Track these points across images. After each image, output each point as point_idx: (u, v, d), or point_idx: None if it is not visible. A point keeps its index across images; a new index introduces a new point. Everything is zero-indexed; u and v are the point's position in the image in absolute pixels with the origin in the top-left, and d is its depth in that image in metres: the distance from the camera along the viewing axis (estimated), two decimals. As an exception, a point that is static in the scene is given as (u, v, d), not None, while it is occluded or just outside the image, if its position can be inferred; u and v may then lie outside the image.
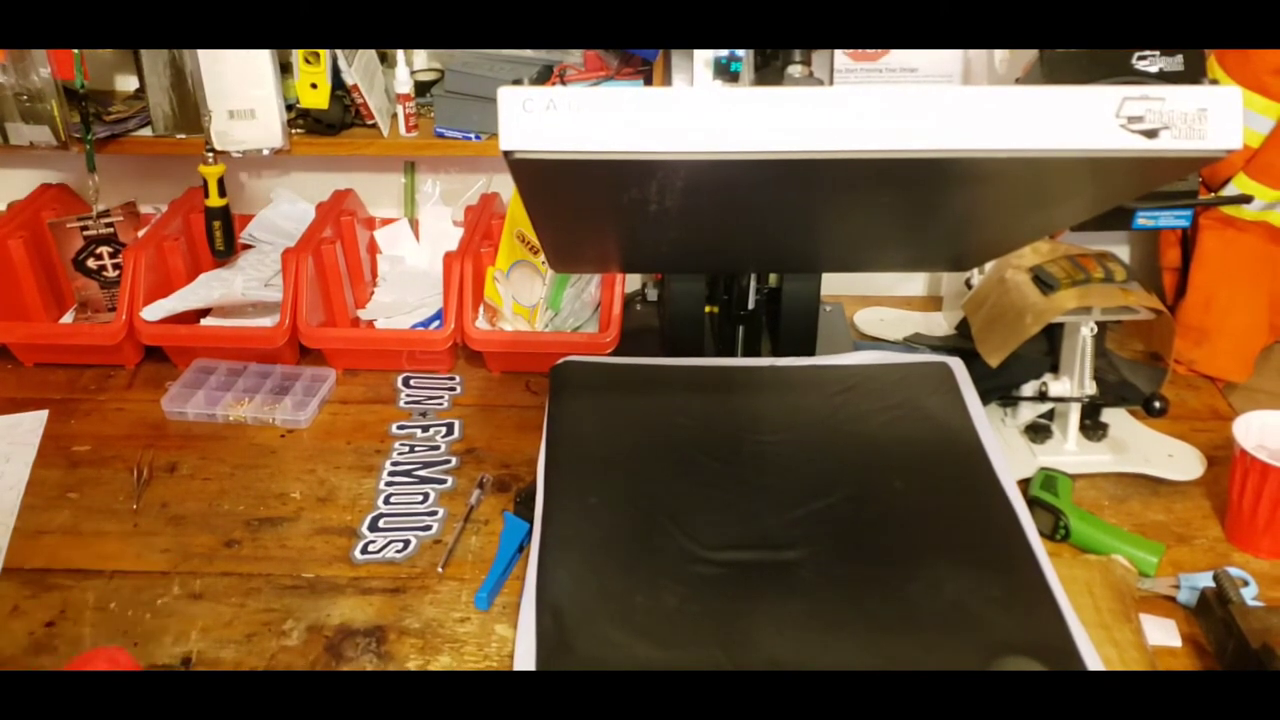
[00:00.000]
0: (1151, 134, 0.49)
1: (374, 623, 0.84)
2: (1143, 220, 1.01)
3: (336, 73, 1.18)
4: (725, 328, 1.14)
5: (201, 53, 1.14)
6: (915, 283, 1.34)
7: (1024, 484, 0.96)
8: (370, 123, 1.22)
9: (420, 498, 0.99)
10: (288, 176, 1.33)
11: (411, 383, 1.17)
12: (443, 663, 0.81)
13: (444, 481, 1.01)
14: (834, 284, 1.26)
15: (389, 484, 1.01)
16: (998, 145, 0.50)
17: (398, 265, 1.32)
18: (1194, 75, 0.92)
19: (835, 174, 0.56)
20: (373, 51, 1.22)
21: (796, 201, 0.69)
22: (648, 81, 1.21)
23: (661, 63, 1.18)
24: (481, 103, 1.17)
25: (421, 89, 1.23)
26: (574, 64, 1.23)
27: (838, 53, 1.18)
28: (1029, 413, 1.05)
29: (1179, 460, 1.01)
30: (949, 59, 1.19)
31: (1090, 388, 1.01)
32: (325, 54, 1.16)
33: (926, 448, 0.97)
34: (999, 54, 1.14)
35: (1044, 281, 0.99)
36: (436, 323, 1.21)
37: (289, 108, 1.19)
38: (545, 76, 1.22)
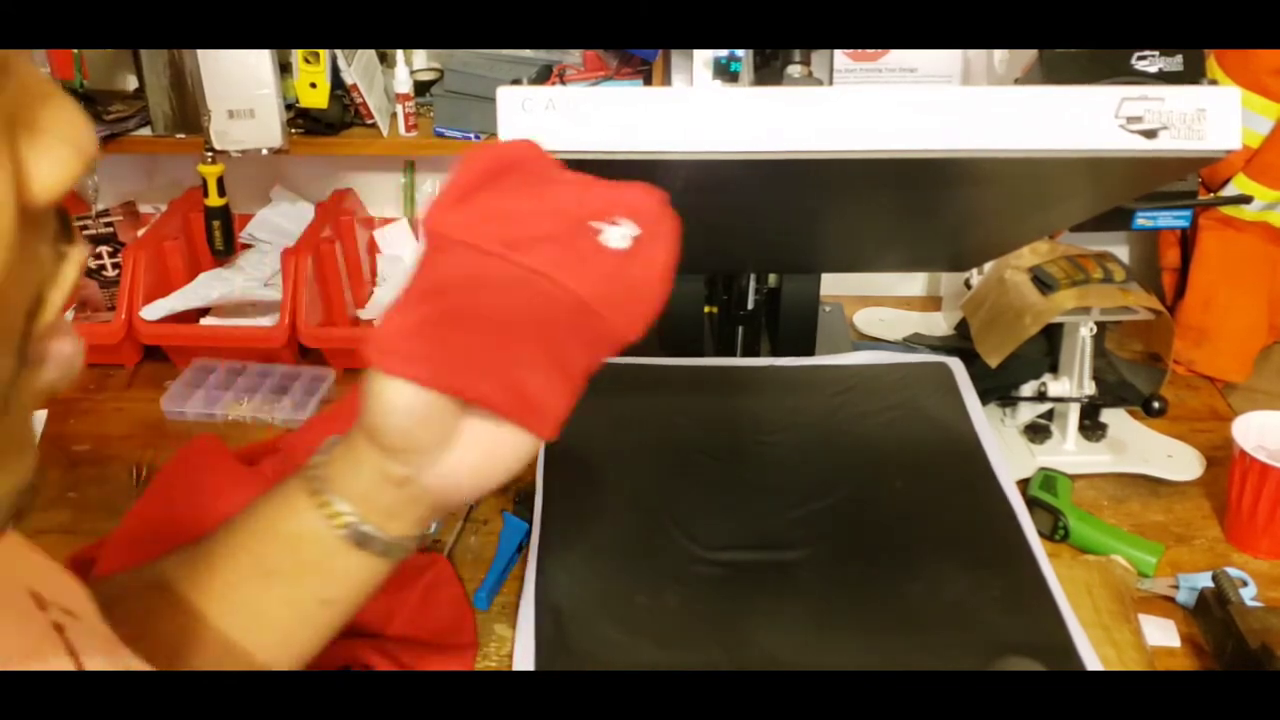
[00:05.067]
0: (1150, 134, 0.49)
1: (373, 622, 0.84)
2: (1142, 220, 1.01)
3: (336, 72, 1.18)
4: (725, 328, 1.14)
5: (201, 53, 1.14)
6: (915, 283, 1.34)
7: (1023, 484, 0.96)
8: (370, 122, 1.21)
9: (420, 497, 0.99)
10: (287, 176, 1.33)
11: (411, 382, 1.17)
12: (442, 662, 0.81)
13: (443, 481, 1.01)
14: (833, 284, 1.26)
15: (388, 484, 1.01)
16: (997, 145, 0.50)
17: (397, 265, 1.32)
18: (1193, 75, 0.92)
19: (835, 174, 0.56)
20: (372, 51, 1.21)
21: (796, 201, 0.69)
22: (647, 81, 1.21)
23: (661, 63, 1.18)
24: (481, 102, 1.17)
25: (421, 89, 1.23)
26: (573, 64, 1.23)
27: (837, 53, 1.18)
28: (1028, 413, 1.05)
29: (1178, 460, 1.01)
30: (948, 59, 1.19)
31: (1089, 388, 1.01)
32: (325, 54, 1.16)
33: (926, 448, 0.97)
34: (998, 54, 1.13)
35: (1043, 282, 0.99)
36: (436, 322, 1.21)
37: (288, 107, 1.19)
38: (545, 76, 1.22)
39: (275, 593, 0.51)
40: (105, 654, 0.39)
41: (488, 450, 0.47)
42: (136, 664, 0.41)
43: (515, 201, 0.44)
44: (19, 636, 0.36)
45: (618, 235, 0.44)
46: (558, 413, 0.46)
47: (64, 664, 0.36)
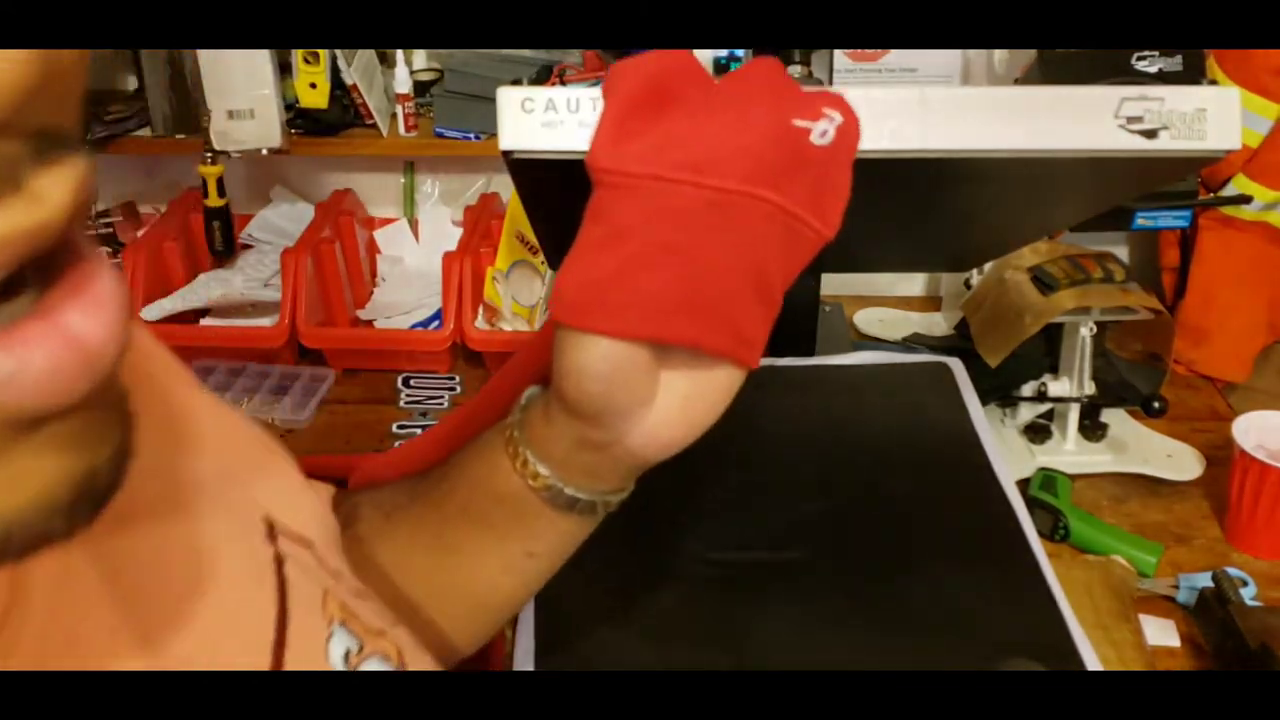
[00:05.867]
0: (1150, 134, 0.49)
1: (373, 623, 0.84)
2: (1142, 220, 1.01)
3: (336, 73, 1.18)
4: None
5: (201, 53, 1.14)
6: (914, 283, 1.34)
7: (1023, 484, 0.96)
8: (369, 123, 1.21)
9: (420, 498, 0.99)
10: (287, 177, 1.33)
11: (411, 383, 1.17)
12: (442, 663, 0.81)
13: (443, 481, 1.01)
14: (833, 284, 1.26)
15: (388, 484, 1.01)
16: (996, 145, 0.50)
17: (397, 265, 1.32)
18: (1193, 75, 0.92)
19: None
20: (372, 51, 1.21)
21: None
22: (647, 81, 1.21)
23: (661, 63, 1.18)
24: (481, 103, 1.17)
25: (421, 89, 1.23)
26: (574, 64, 1.23)
27: (837, 53, 1.18)
28: (1028, 413, 1.05)
29: (1178, 460, 1.01)
30: (948, 59, 1.19)
31: (1089, 388, 1.01)
32: (324, 54, 1.16)
33: (926, 448, 0.97)
34: (998, 54, 1.14)
35: (1043, 282, 0.99)
36: (436, 323, 1.21)
37: (288, 108, 1.19)
38: (545, 76, 1.22)
39: (482, 541, 0.50)
40: (316, 595, 0.39)
41: (694, 395, 0.43)
42: (355, 602, 0.41)
43: (691, 120, 0.39)
44: (232, 566, 0.37)
45: (825, 130, 0.40)
46: (764, 338, 0.43)
47: (268, 599, 0.37)
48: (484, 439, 0.49)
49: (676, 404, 0.43)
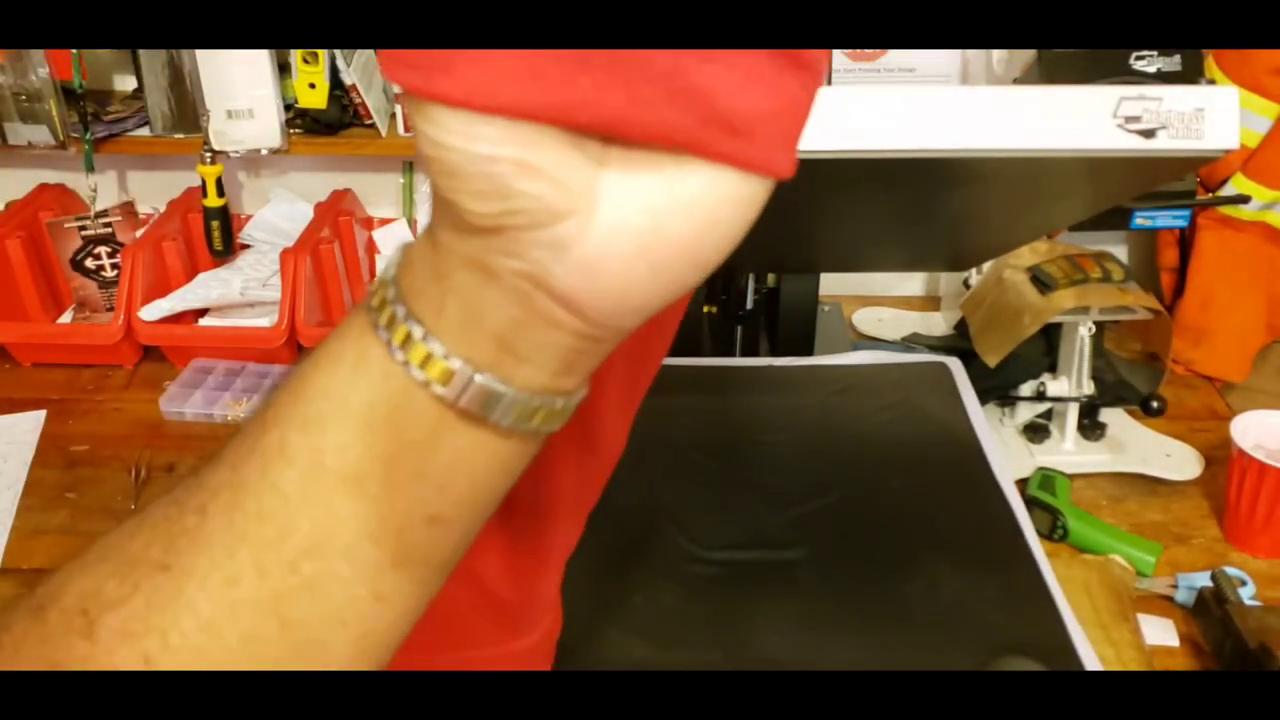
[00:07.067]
0: (1148, 134, 0.49)
1: (372, 622, 0.84)
2: (1140, 220, 1.01)
3: (335, 72, 1.18)
4: (723, 327, 1.14)
5: (200, 53, 1.14)
6: (913, 283, 1.35)
7: (1022, 484, 0.96)
8: (369, 122, 1.21)
9: (419, 497, 0.99)
10: (286, 176, 1.33)
11: (410, 383, 1.17)
12: (441, 662, 0.81)
13: (442, 481, 1.01)
14: (832, 284, 1.26)
15: (387, 484, 1.01)
16: (995, 145, 0.50)
17: (396, 265, 1.32)
18: (1192, 75, 0.92)
19: (834, 174, 0.56)
20: (371, 51, 1.21)
21: (795, 201, 0.69)
22: (646, 81, 1.21)
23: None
24: (480, 103, 1.17)
25: (420, 89, 1.23)
26: (572, 64, 1.23)
27: (836, 53, 1.18)
28: (1027, 412, 1.05)
29: (1177, 460, 1.01)
30: (947, 59, 1.19)
31: (1088, 387, 1.01)
32: (324, 54, 1.16)
33: (925, 447, 0.97)
34: (997, 54, 1.14)
35: (1042, 281, 0.99)
36: (435, 323, 1.21)
37: (287, 107, 1.19)
38: (544, 76, 1.22)
39: (348, 510, 0.28)
40: None
41: (661, 213, 0.25)
42: None
43: None
44: None
45: None
46: (785, 116, 0.25)
47: None
48: (332, 342, 0.29)
49: (634, 223, 0.25)
